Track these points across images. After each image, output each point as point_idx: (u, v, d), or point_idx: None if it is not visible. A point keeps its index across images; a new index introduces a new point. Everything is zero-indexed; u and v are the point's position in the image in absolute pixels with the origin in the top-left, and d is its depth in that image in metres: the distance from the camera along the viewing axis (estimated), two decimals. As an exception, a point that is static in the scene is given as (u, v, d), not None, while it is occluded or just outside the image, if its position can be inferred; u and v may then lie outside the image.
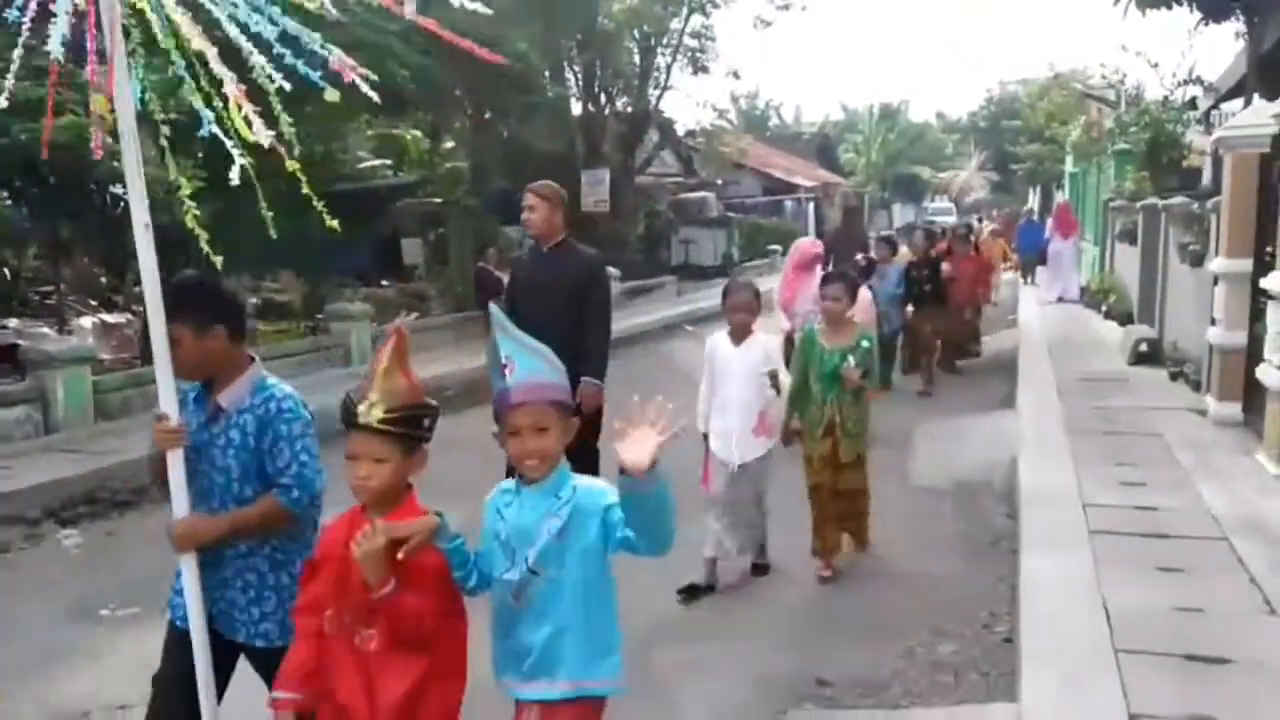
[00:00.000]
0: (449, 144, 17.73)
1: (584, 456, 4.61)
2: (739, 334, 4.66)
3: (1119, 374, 9.33)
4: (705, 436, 4.72)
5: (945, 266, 10.29)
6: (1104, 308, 13.80)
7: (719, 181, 26.76)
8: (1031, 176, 34.45)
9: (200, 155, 9.30)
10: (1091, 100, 21.70)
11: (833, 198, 37.36)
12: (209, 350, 2.54)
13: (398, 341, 2.29)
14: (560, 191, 4.96)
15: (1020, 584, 4.30)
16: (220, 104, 2.59)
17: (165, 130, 2.91)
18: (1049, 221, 19.38)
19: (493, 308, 2.47)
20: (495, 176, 16.36)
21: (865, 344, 4.77)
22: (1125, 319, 12.41)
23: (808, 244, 7.57)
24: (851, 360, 4.65)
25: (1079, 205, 22.20)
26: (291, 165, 2.71)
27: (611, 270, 16.82)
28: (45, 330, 9.36)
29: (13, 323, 9.89)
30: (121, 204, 8.23)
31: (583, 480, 2.26)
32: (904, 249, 10.77)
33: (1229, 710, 3.08)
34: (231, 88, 2.53)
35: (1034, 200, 35.23)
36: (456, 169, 15.79)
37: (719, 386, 4.66)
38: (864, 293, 6.88)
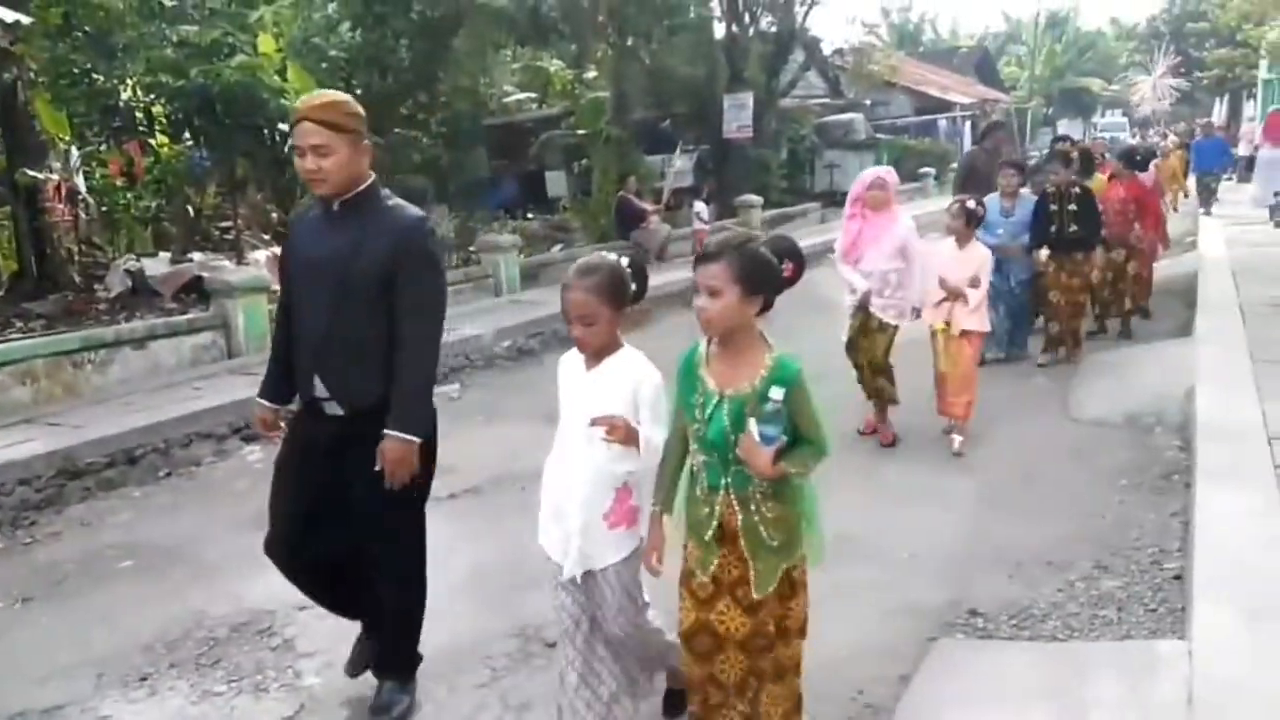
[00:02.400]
0: (591, 73, 17.71)
1: (405, 536, 3.19)
2: (587, 348, 2.66)
3: (1316, 299, 8.50)
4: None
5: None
6: (1300, 227, 12.54)
7: (868, 102, 25.72)
8: (1219, 85, 31.41)
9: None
10: (1295, -5, 19.47)
11: (991, 115, 35.38)
12: None
13: None
14: (361, 114, 2.95)
15: (1194, 518, 4.04)
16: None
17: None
18: (1253, 130, 18.44)
19: None
20: (637, 105, 16.27)
21: (776, 392, 2.42)
22: (1326, 239, 11.23)
23: (881, 172, 5.70)
24: (753, 427, 2.43)
25: (1276, 115, 20.15)
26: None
27: (753, 198, 16.76)
28: (225, 262, 10.05)
29: (196, 256, 10.67)
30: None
31: None
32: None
33: None
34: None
35: (1220, 112, 32.13)
36: (599, 99, 15.77)
37: (560, 439, 2.79)
38: (981, 250, 5.74)
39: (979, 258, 5.64)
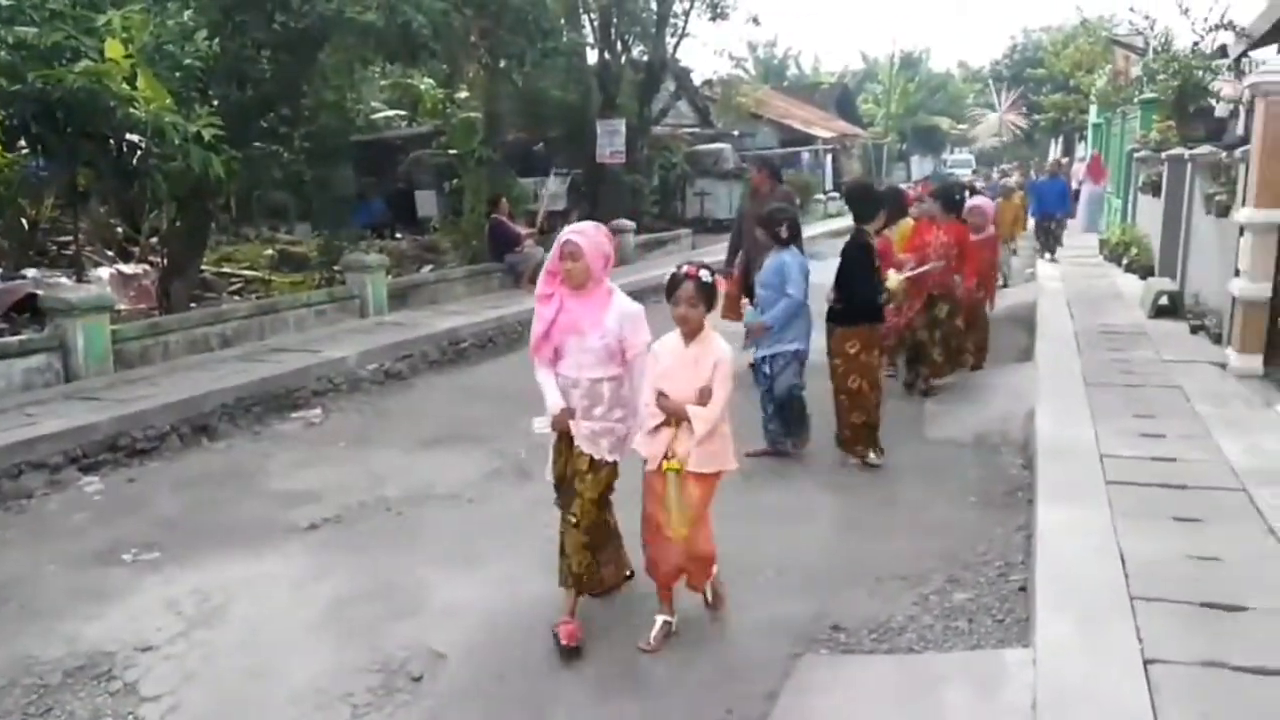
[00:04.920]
0: (463, 93, 17.53)
1: None
2: None
3: (1138, 327, 9.25)
4: None
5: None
6: (1125, 261, 13.65)
7: (736, 133, 26.43)
8: (1054, 127, 33.88)
9: (215, 103, 9.29)
10: (1118, 47, 21.24)
11: (851, 149, 36.91)
12: None
13: None
14: None
15: (1036, 533, 4.30)
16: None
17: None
18: (1079, 169, 19.83)
19: None
20: (510, 127, 16.19)
21: None
22: (1146, 272, 12.27)
23: (574, 234, 3.73)
24: None
25: (1103, 157, 21.91)
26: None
27: (626, 223, 16.93)
28: (63, 280, 9.39)
29: (31, 272, 9.92)
30: (138, 152, 8.20)
31: None
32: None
33: (1243, 656, 3.09)
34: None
35: (1055, 151, 34.62)
36: (471, 119, 15.60)
37: None
38: (719, 347, 3.76)
39: (714, 357, 3.69)
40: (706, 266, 3.75)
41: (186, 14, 9.23)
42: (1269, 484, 4.69)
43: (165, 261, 10.43)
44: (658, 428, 3.72)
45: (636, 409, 3.77)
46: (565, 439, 3.81)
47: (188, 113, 8.02)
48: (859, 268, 5.86)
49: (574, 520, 3.77)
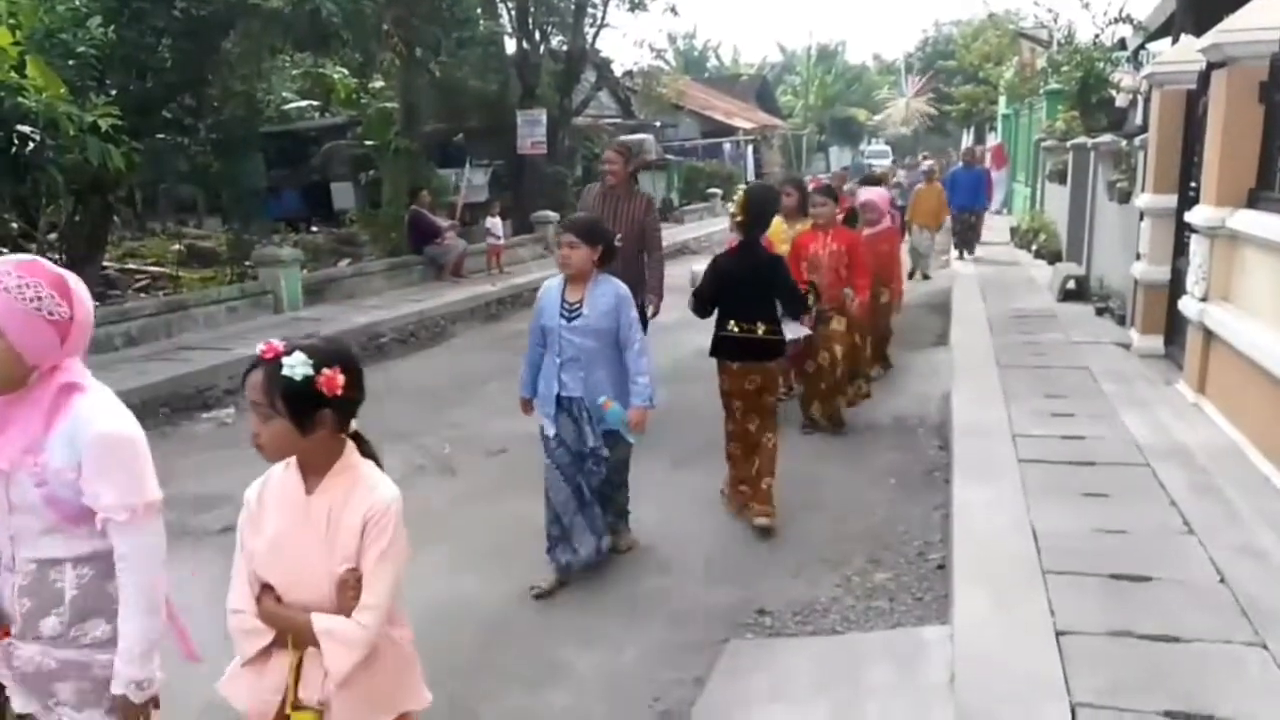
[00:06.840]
0: (378, 83, 17.16)
1: None
2: None
3: (1048, 310, 9.56)
4: None
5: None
6: (1034, 247, 14.10)
7: (657, 124, 26.50)
8: (966, 118, 34.83)
9: (114, 92, 8.89)
10: (1024, 40, 21.94)
11: (771, 140, 37.32)
12: None
13: None
14: None
15: (953, 512, 4.40)
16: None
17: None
18: (988, 157, 20.24)
19: None
20: (428, 117, 15.91)
21: None
22: (1054, 257, 12.70)
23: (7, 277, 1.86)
24: None
25: (1011, 146, 22.60)
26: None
27: (550, 214, 16.80)
28: (-48, 279, 8.89)
29: (-84, 272, 9.38)
30: (30, 144, 7.79)
31: None
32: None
33: (1150, 625, 3.20)
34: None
35: (967, 141, 35.59)
36: (386, 109, 15.28)
37: None
38: (380, 494, 2.19)
39: (362, 511, 2.08)
40: (318, 352, 1.97)
41: (78, 0, 8.82)
42: (1171, 459, 4.88)
43: (64, 258, 9.97)
44: (266, 652, 2.01)
45: (142, 621, 1.95)
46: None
47: (83, 102, 7.66)
48: (788, 285, 4.91)
49: None
